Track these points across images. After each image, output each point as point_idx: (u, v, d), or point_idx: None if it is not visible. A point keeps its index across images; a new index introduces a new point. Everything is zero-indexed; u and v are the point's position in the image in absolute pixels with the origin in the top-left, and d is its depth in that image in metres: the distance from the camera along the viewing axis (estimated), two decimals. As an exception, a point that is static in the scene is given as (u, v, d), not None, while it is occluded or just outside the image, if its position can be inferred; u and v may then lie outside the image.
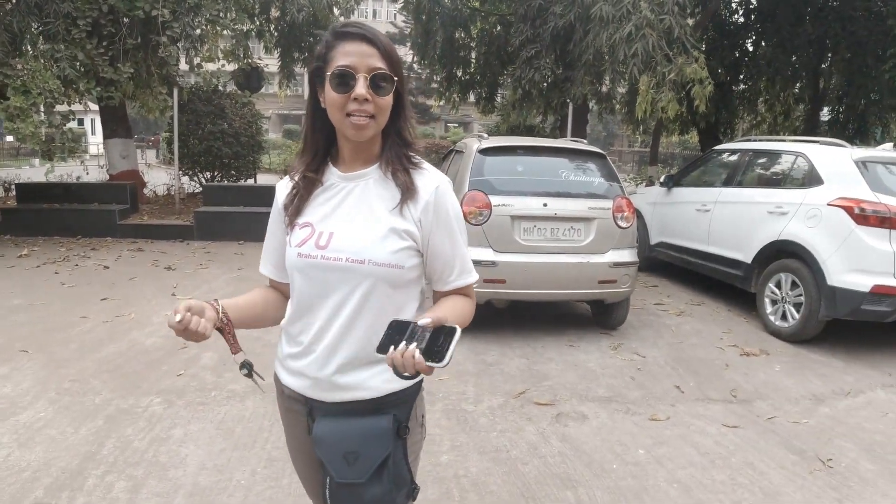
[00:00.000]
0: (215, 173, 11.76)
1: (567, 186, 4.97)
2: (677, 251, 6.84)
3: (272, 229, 1.43)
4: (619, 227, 4.84)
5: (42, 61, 7.69)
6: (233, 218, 9.26)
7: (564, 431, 3.32)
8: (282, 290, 1.46)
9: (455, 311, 1.29)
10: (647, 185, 10.63)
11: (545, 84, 9.81)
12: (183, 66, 10.75)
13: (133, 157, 11.29)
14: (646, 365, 4.43)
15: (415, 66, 15.25)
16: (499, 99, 15.55)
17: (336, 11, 11.89)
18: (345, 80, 1.20)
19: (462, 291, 1.36)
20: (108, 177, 11.13)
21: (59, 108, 8.53)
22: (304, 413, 1.35)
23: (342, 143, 1.32)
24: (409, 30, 14.34)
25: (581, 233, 4.80)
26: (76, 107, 9.68)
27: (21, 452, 3.00)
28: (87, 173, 13.47)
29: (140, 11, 8.33)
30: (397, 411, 1.30)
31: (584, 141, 5.93)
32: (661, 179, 7.38)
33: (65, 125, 8.19)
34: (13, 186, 11.35)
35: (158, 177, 13.88)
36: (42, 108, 7.46)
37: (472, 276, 1.36)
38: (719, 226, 6.09)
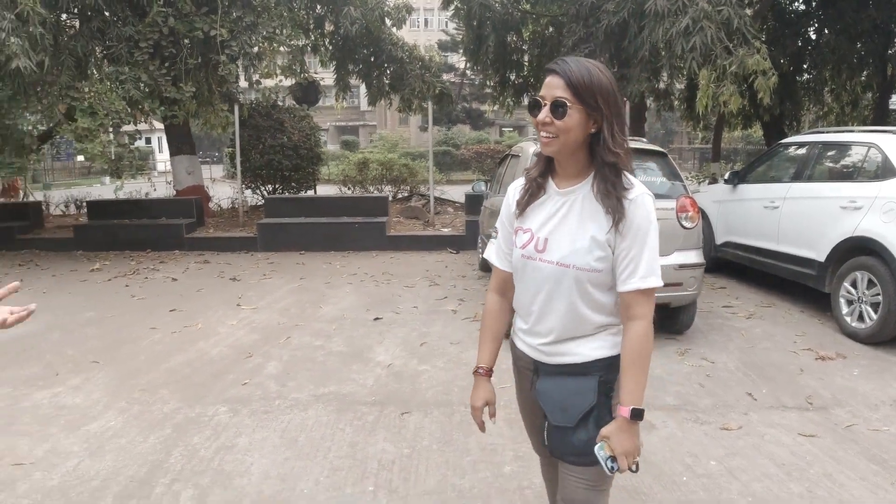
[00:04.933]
0: (276, 186, 12.08)
1: (625, 187, 4.83)
2: (745, 251, 6.56)
3: (504, 230, 1.73)
4: (684, 227, 4.67)
5: (107, 83, 8.04)
6: (294, 229, 9.49)
7: (630, 441, 3.19)
8: (506, 287, 1.75)
9: (639, 378, 1.52)
10: (710, 183, 10.28)
11: (600, 83, 9.60)
12: (242, 83, 11.09)
13: (198, 173, 11.71)
14: (715, 371, 4.23)
15: (468, 72, 15.17)
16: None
17: (388, 22, 11.99)
18: (534, 106, 1.53)
19: (634, 309, 1.53)
20: (174, 192, 11.59)
21: (126, 127, 8.90)
22: (531, 371, 1.71)
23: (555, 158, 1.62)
24: (460, 37, 14.28)
25: (642, 235, 4.64)
26: (142, 126, 10.10)
27: (91, 461, 3.10)
28: (155, 190, 14.07)
29: (199, 32, 8.62)
30: (604, 373, 1.58)
31: (644, 139, 5.76)
32: (726, 176, 7.11)
33: (131, 144, 8.54)
34: (84, 204, 11.97)
35: (223, 191, 14.34)
36: (109, 129, 7.79)
37: (649, 282, 1.51)
38: (789, 223, 5.82)
